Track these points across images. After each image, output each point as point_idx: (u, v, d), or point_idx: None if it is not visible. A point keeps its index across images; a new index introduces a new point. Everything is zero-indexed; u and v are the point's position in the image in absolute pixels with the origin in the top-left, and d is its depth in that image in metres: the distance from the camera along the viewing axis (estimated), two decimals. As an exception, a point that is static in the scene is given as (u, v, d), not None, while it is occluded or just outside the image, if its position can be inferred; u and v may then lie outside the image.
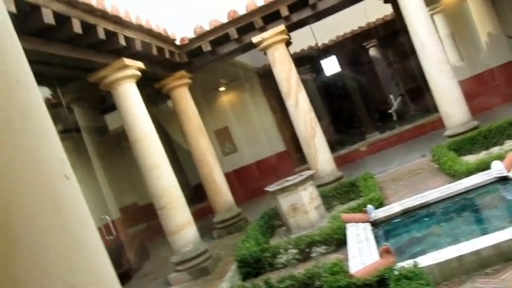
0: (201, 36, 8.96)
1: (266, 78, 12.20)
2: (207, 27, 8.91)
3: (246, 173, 12.52)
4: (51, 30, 5.30)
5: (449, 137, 8.51)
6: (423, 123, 11.91)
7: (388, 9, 11.40)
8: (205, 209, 10.48)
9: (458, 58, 12.06)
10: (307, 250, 5.74)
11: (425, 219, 5.47)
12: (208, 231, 9.12)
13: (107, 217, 8.10)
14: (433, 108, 10.48)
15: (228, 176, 10.20)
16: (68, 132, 9.09)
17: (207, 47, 8.98)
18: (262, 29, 8.95)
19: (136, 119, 7.02)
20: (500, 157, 5.78)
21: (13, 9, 4.26)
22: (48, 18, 4.96)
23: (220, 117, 12.79)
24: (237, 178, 11.99)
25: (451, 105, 8.57)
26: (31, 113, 0.82)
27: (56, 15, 5.10)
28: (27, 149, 0.78)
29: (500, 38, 11.71)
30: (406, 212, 5.66)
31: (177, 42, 8.91)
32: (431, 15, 11.35)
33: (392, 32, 12.59)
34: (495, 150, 7.21)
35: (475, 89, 10.98)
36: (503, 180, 5.41)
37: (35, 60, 5.72)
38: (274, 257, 5.87)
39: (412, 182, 7.32)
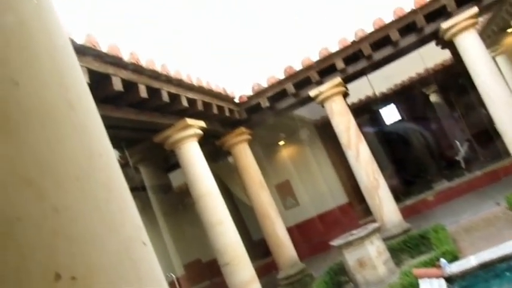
0: (259, 93, 9.21)
1: (324, 130, 12.19)
2: (265, 84, 9.16)
3: (309, 227, 12.29)
4: (119, 96, 5.67)
5: (526, 182, 7.97)
6: (495, 169, 11.26)
7: (446, 54, 11.20)
8: (268, 265, 10.32)
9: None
10: (378, 308, 5.45)
11: (507, 273, 5.06)
12: (272, 288, 8.93)
13: (173, 275, 8.17)
14: (504, 152, 9.93)
15: (291, 231, 10.07)
16: (135, 191, 9.45)
17: (265, 103, 9.19)
18: (319, 83, 9.07)
19: (199, 176, 7.20)
20: None
21: (87, 79, 4.64)
22: (117, 85, 5.33)
23: (280, 171, 12.82)
24: (299, 232, 11.80)
25: (524, 148, 8.10)
26: (112, 183, 0.87)
27: (124, 82, 5.48)
28: (110, 219, 0.83)
29: None
30: (483, 266, 5.26)
31: (236, 100, 9.20)
32: (493, 57, 11.03)
33: (453, 76, 12.27)
34: None
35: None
36: None
37: (105, 125, 6.12)
38: (343, 316, 5.61)
39: (488, 233, 6.85)
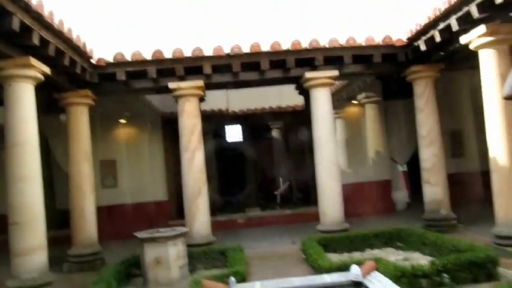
0: (119, 64, 8.78)
1: (169, 125, 12.13)
2: (129, 57, 8.77)
3: (120, 212, 11.93)
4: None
5: (321, 232, 9.00)
6: (302, 213, 12.42)
7: (300, 100, 12.18)
8: (63, 238, 9.63)
9: (347, 164, 13.08)
10: (158, 308, 5.49)
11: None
12: (58, 262, 8.31)
13: None
14: (314, 201, 11.07)
15: (100, 210, 9.61)
16: None
17: (121, 76, 8.78)
18: (181, 78, 9.04)
19: (22, 122, 6.46)
20: (359, 263, 6.18)
21: None
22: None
23: (111, 148, 12.29)
24: (108, 214, 11.34)
25: (330, 203, 9.19)
26: None
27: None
28: None
29: (385, 157, 13.02)
30: (265, 293, 5.72)
31: (93, 61, 8.60)
32: (335, 118, 12.35)
33: (298, 122, 13.38)
34: (356, 255, 7.71)
35: (354, 195, 11.86)
36: (358, 285, 5.77)
37: None
38: (122, 307, 5.51)
39: (277, 265, 7.49)
